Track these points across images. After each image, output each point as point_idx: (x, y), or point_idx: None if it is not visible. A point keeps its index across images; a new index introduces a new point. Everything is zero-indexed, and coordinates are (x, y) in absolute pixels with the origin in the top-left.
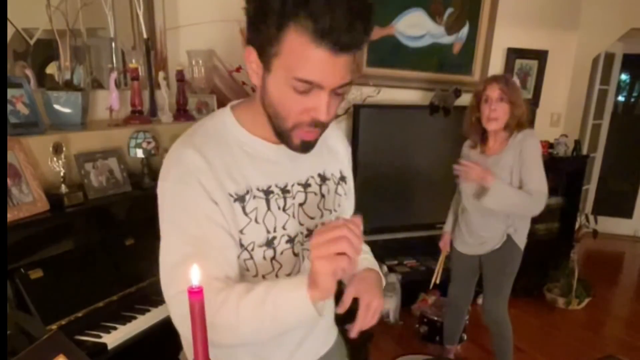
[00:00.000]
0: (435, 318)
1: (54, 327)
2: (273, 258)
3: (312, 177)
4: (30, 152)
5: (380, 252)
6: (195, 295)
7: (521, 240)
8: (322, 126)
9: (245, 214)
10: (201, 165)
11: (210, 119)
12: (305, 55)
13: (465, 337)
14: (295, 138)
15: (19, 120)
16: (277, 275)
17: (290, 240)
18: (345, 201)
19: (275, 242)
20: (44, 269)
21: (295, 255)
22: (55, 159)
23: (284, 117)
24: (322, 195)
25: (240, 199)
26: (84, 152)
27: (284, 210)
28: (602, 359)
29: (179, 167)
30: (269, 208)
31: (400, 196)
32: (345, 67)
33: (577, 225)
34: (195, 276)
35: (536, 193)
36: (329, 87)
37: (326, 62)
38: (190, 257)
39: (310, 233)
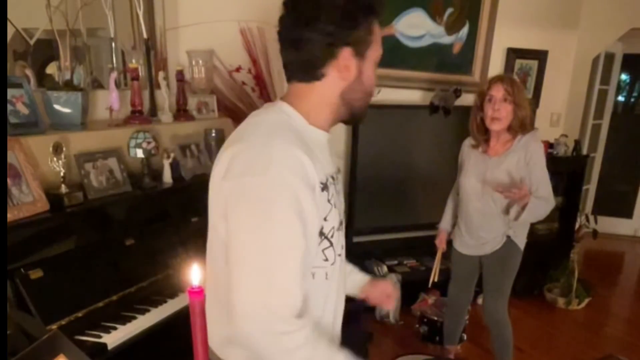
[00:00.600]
0: (435, 318)
1: (54, 327)
2: (338, 242)
3: (336, 171)
4: (30, 152)
5: (380, 252)
6: (195, 295)
7: (521, 241)
8: None
9: (328, 201)
10: (305, 159)
11: (271, 113)
12: (380, 35)
13: (465, 337)
14: (366, 110)
15: (19, 120)
16: (334, 261)
17: (341, 223)
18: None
19: (342, 226)
20: (44, 269)
21: (342, 238)
22: (55, 159)
23: (371, 92)
24: (338, 192)
25: (325, 187)
26: (84, 152)
27: (338, 194)
28: (602, 359)
29: (280, 160)
30: (336, 191)
31: (400, 196)
32: None
33: (577, 225)
34: (195, 276)
35: (551, 199)
36: None
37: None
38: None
39: (341, 224)
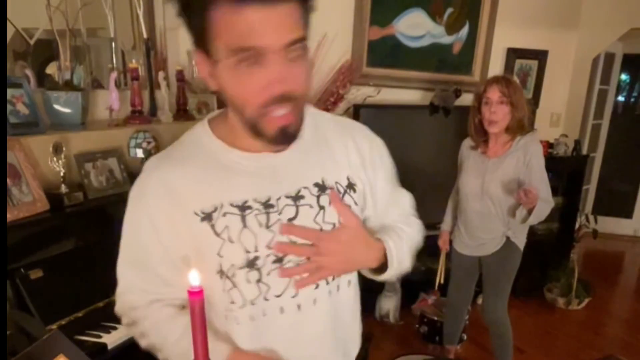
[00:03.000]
0: (435, 318)
1: (54, 327)
2: (259, 280)
3: (306, 187)
4: (30, 152)
5: None
6: (195, 295)
7: (520, 241)
8: (291, 101)
9: (217, 234)
10: (158, 190)
11: (189, 133)
12: (234, 22)
13: (465, 337)
14: (269, 127)
15: (19, 120)
16: (265, 299)
17: (279, 260)
18: (358, 211)
19: (259, 262)
20: (44, 269)
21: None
22: (55, 159)
23: (245, 104)
24: (321, 207)
25: (208, 217)
26: (84, 152)
27: (267, 227)
28: (602, 359)
29: (139, 185)
30: (244, 225)
31: None
32: (285, 20)
33: (577, 225)
34: (194, 277)
35: (548, 200)
36: (273, 47)
37: (257, 19)
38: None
39: None
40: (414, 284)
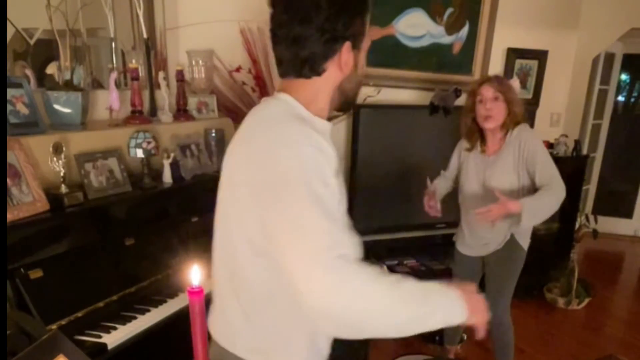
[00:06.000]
0: None
1: (54, 327)
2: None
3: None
4: (30, 152)
5: (380, 252)
6: (195, 295)
7: (524, 240)
8: None
9: (339, 188)
10: (323, 142)
11: (272, 106)
12: (368, 26)
13: (465, 337)
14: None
15: (19, 120)
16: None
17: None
18: None
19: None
20: (44, 269)
21: None
22: (55, 159)
23: (362, 79)
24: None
25: (337, 174)
26: (84, 152)
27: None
28: (602, 359)
29: (312, 138)
30: (340, 182)
31: (401, 196)
32: None
33: (577, 225)
34: (195, 276)
35: (554, 182)
36: None
37: None
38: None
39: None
40: None
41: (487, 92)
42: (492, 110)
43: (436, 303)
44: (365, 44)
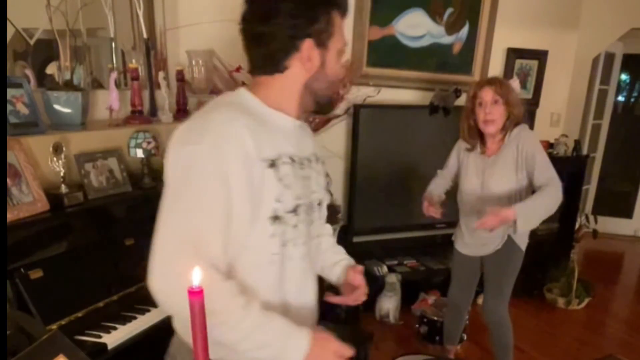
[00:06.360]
0: (435, 318)
1: (54, 327)
2: (295, 225)
3: (312, 154)
4: (30, 152)
5: (380, 252)
6: (195, 295)
7: (522, 241)
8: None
9: (279, 179)
10: (243, 131)
11: (225, 96)
12: (341, 26)
13: (465, 337)
14: (334, 99)
15: (19, 120)
16: (294, 244)
17: (306, 210)
18: None
19: (299, 210)
20: (44, 269)
21: (306, 225)
22: (55, 159)
23: (336, 82)
24: (318, 173)
25: (273, 164)
26: (84, 152)
27: (302, 179)
28: (602, 359)
29: (218, 130)
30: (294, 175)
31: (400, 196)
32: None
33: (577, 225)
34: (196, 277)
35: (552, 184)
36: None
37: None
38: (195, 243)
39: (312, 207)
40: (414, 284)
41: (487, 95)
42: (492, 114)
43: (264, 340)
44: (336, 44)
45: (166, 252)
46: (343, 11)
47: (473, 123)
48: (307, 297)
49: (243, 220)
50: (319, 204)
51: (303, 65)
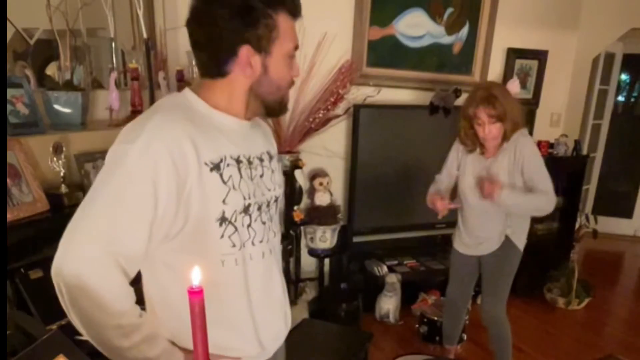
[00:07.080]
0: (435, 318)
1: (54, 327)
2: (249, 225)
3: (264, 153)
4: (30, 152)
5: (380, 252)
6: (195, 295)
7: (520, 241)
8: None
9: (224, 182)
10: (180, 135)
11: (170, 97)
12: (290, 28)
13: (465, 337)
14: (284, 103)
15: (19, 120)
16: (252, 243)
17: (259, 209)
18: None
19: (250, 209)
20: (44, 269)
21: (263, 223)
22: (55, 159)
23: (284, 86)
24: (272, 171)
25: (216, 167)
26: (84, 152)
27: (251, 179)
28: (602, 359)
29: (154, 132)
30: (241, 176)
31: (400, 196)
32: None
33: (577, 225)
34: (196, 277)
35: (547, 192)
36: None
37: (295, 28)
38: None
39: (268, 204)
40: (414, 284)
41: (483, 116)
42: (492, 133)
43: (150, 355)
44: (282, 48)
45: (80, 236)
46: (291, 12)
47: (473, 134)
48: (274, 292)
49: (173, 223)
50: (276, 200)
51: (243, 71)
